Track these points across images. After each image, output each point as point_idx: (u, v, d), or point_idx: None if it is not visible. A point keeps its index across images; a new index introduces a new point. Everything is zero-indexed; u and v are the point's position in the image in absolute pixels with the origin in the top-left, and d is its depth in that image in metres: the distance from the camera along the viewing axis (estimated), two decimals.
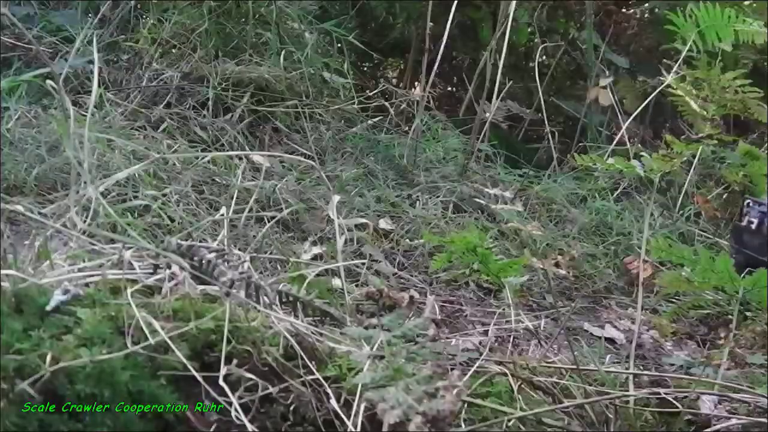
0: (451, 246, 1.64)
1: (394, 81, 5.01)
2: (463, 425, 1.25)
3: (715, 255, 1.82)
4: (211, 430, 1.09)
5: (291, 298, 1.35)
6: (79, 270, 1.23)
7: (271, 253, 2.27)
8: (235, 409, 1.09)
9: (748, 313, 1.85)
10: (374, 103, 3.79)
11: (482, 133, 3.72)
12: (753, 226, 2.83)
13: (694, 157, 3.54)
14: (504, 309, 2.16)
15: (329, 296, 1.55)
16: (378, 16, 5.01)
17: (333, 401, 1.16)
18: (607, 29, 4.60)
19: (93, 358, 1.02)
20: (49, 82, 1.38)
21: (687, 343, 1.95)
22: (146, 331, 1.09)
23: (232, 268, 1.25)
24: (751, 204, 2.93)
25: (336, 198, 1.75)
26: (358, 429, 1.13)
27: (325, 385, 1.18)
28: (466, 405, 1.29)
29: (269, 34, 3.57)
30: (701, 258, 1.76)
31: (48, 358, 1.01)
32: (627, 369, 1.63)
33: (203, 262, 1.26)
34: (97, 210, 1.36)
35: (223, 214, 1.79)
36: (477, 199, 3.09)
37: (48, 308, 1.09)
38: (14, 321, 1.05)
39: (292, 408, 1.15)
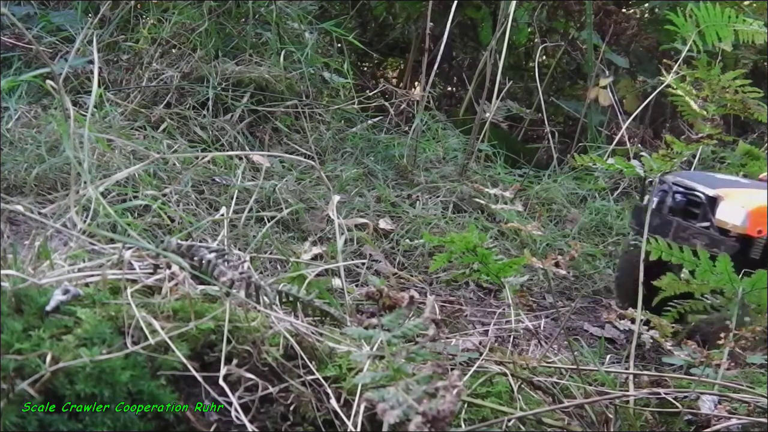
0: (451, 246, 1.64)
1: (394, 81, 5.01)
2: (463, 425, 1.25)
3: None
4: (211, 430, 1.09)
5: (291, 298, 1.35)
6: (79, 270, 1.23)
7: (271, 253, 2.27)
8: (235, 409, 1.09)
9: (746, 319, 1.84)
10: (374, 103, 3.79)
11: (482, 133, 3.73)
12: (653, 206, 2.66)
13: (694, 157, 3.55)
14: (504, 309, 2.16)
15: (329, 296, 1.55)
16: (378, 16, 5.01)
17: (333, 401, 1.16)
18: (607, 29, 4.61)
19: (93, 358, 1.02)
20: (49, 82, 1.38)
21: (687, 343, 1.94)
22: (146, 331, 1.09)
23: (232, 268, 1.25)
24: (654, 183, 2.81)
25: (336, 198, 1.75)
26: (358, 429, 1.13)
27: (325, 385, 1.18)
28: (466, 405, 1.29)
29: (269, 34, 3.57)
30: (701, 259, 1.75)
31: (48, 358, 1.01)
32: (627, 369, 1.63)
33: (203, 262, 1.26)
34: (97, 210, 1.36)
35: (223, 214, 1.78)
36: (477, 199, 3.09)
37: (48, 308, 1.09)
38: (14, 321, 1.05)
39: (292, 408, 1.15)
